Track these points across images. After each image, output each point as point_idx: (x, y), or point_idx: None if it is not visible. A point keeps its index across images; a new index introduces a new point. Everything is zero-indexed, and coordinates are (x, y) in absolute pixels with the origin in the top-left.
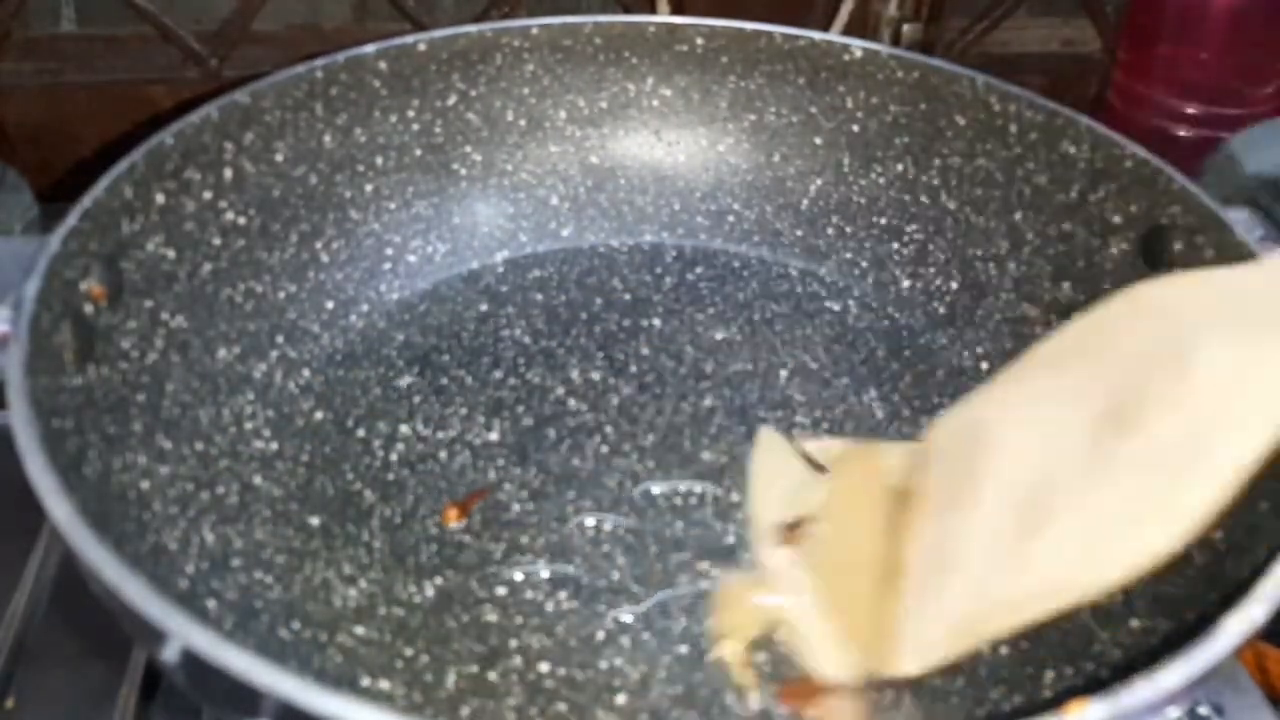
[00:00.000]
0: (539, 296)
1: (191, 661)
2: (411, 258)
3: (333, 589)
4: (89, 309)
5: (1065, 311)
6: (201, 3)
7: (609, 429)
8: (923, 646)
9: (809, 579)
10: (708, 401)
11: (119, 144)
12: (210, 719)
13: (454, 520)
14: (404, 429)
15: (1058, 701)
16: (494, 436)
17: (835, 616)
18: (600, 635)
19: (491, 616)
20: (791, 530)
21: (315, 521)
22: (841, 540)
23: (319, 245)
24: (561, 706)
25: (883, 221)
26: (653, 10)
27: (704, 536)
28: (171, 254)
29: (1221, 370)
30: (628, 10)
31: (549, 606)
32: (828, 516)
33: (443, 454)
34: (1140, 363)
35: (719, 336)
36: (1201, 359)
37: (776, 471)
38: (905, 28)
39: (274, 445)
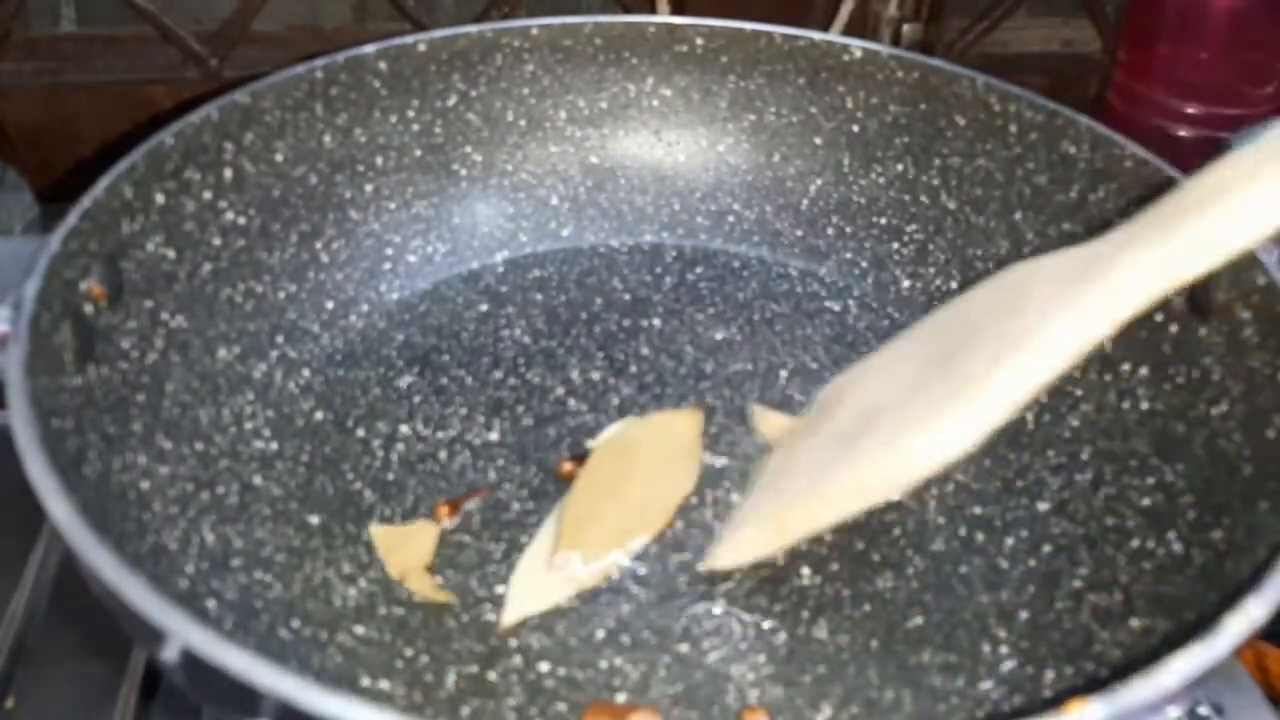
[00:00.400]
0: (539, 296)
1: (191, 661)
2: (411, 258)
3: (333, 588)
4: (89, 309)
5: None
6: (201, 3)
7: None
8: (738, 545)
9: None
10: (708, 401)
11: (119, 144)
12: (210, 719)
13: (446, 518)
14: (404, 429)
15: (1058, 701)
16: (494, 436)
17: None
18: (600, 634)
19: (491, 616)
20: (576, 461)
21: (315, 521)
22: (608, 468)
23: (319, 245)
24: (561, 706)
25: (883, 221)
26: (653, 10)
27: (703, 537)
28: (171, 254)
29: (1032, 309)
30: (628, 10)
31: None
32: (614, 442)
33: (443, 454)
34: (982, 317)
35: (719, 336)
36: (1025, 305)
37: None
38: (905, 28)
39: (274, 445)
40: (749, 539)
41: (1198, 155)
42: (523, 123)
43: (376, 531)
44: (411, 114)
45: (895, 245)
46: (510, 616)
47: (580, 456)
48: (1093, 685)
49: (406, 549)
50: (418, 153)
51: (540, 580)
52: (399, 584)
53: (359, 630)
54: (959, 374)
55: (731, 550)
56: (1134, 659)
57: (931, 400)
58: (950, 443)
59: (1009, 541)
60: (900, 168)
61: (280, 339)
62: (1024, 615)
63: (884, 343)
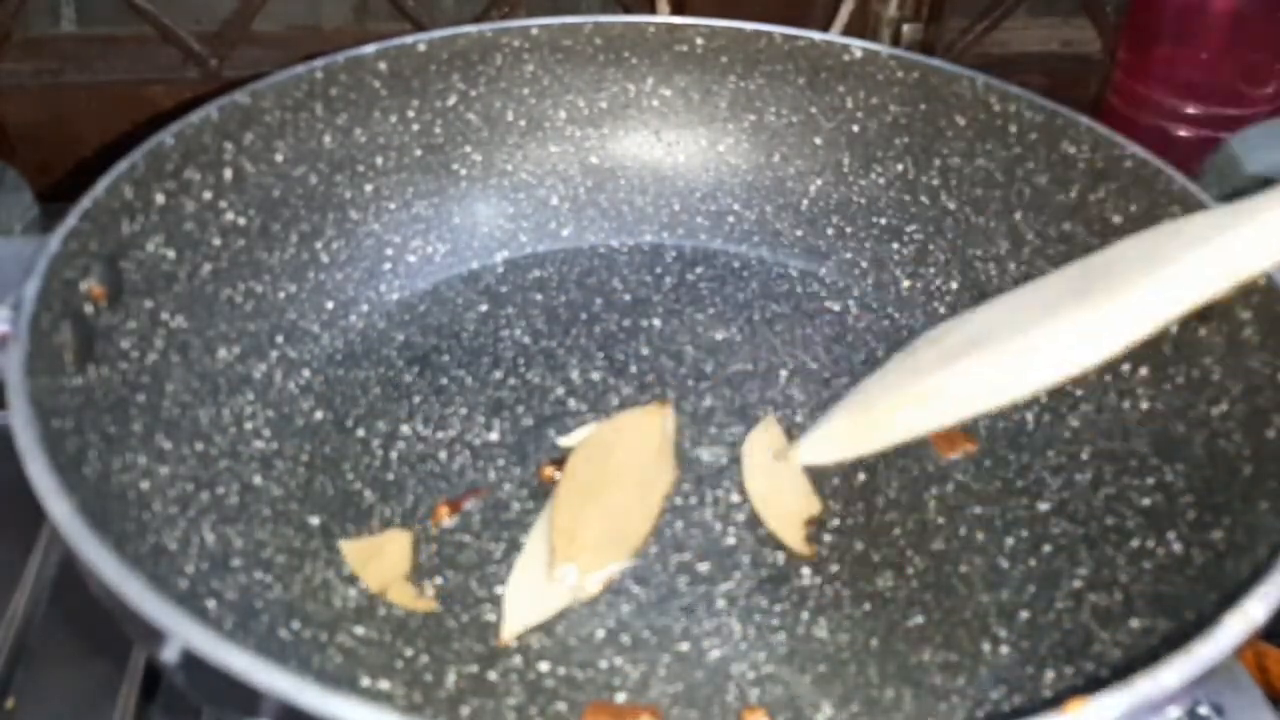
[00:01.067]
0: (539, 297)
1: (191, 662)
2: (411, 258)
3: (333, 589)
4: (89, 309)
5: None
6: (201, 3)
7: None
8: (829, 437)
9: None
10: (707, 402)
11: (119, 144)
12: (210, 719)
13: (445, 518)
14: (404, 429)
15: (1058, 701)
16: (494, 436)
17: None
18: (600, 634)
19: (491, 616)
20: (556, 465)
21: (315, 521)
22: (591, 467)
23: (319, 245)
24: (561, 706)
25: (883, 222)
26: (653, 10)
27: (703, 537)
28: (171, 254)
29: (1172, 248)
30: (628, 10)
31: None
32: (587, 447)
33: (442, 454)
34: (1117, 258)
35: (719, 337)
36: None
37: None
38: (905, 28)
39: (274, 445)
40: (841, 432)
41: (1197, 155)
42: (523, 123)
43: (346, 546)
44: (411, 114)
45: (895, 245)
46: (510, 630)
47: (560, 460)
48: (1093, 685)
49: (381, 560)
50: (418, 153)
51: (537, 590)
52: (379, 597)
53: (359, 630)
54: (1091, 295)
55: (821, 442)
56: (1134, 659)
57: (1060, 314)
58: (1077, 351)
59: (1009, 541)
60: (900, 168)
61: (280, 339)
62: (1024, 615)
63: (884, 343)
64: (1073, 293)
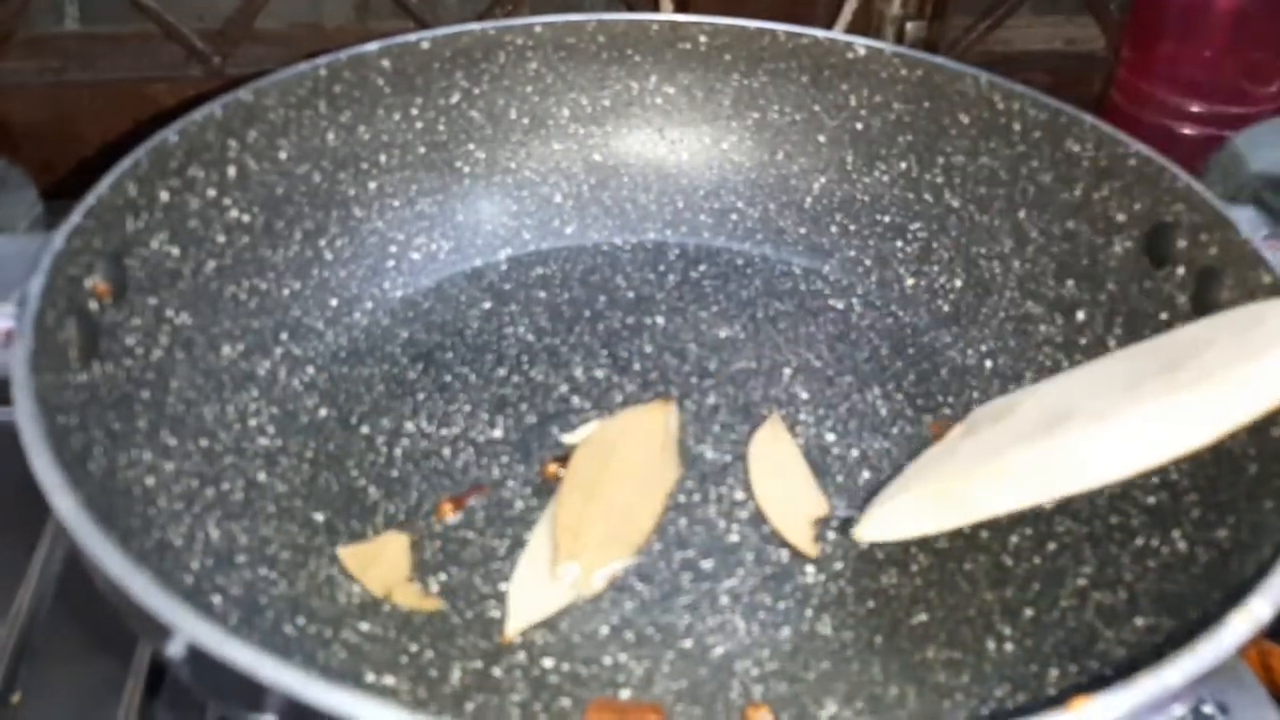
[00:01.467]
0: (542, 294)
1: (197, 657)
2: (415, 255)
3: (337, 585)
4: (93, 306)
5: (1069, 309)
6: (205, 1)
7: None
8: (893, 515)
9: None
10: (711, 399)
11: (123, 142)
12: (215, 714)
13: (449, 515)
14: (408, 425)
15: (1062, 699)
16: (498, 434)
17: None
18: (604, 631)
19: (495, 613)
20: (559, 462)
21: (320, 517)
22: (595, 465)
23: (323, 243)
24: (565, 702)
25: (886, 220)
26: (656, 8)
27: (707, 534)
28: (176, 251)
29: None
30: (631, 8)
31: None
32: (591, 444)
33: (446, 451)
34: (1211, 337)
35: (722, 334)
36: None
37: (775, 462)
38: (908, 26)
39: (278, 442)
40: (910, 509)
41: (1202, 153)
42: (526, 120)
43: (344, 553)
44: (415, 111)
45: (899, 243)
46: (513, 627)
47: (563, 457)
48: (1097, 683)
49: (381, 564)
50: (421, 150)
51: (541, 587)
52: (385, 600)
53: (363, 626)
54: (1180, 378)
55: (888, 519)
56: (1138, 657)
57: (1147, 396)
58: (1168, 436)
59: (1013, 539)
60: (904, 166)
61: (284, 336)
62: (1028, 613)
63: (888, 341)
64: (1158, 372)
